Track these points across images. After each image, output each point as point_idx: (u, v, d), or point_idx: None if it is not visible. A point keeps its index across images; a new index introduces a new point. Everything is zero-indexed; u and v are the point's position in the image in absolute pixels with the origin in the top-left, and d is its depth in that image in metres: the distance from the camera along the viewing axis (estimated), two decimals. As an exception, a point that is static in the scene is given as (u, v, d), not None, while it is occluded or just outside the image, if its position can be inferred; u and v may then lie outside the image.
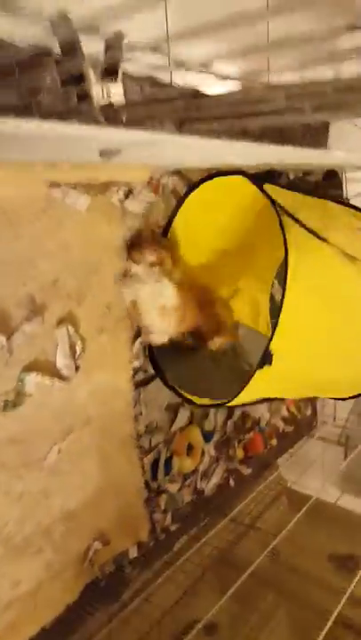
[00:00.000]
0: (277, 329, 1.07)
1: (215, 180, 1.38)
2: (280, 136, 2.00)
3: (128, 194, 1.35)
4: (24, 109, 0.50)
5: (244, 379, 1.17)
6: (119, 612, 1.39)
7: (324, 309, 1.17)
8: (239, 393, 1.16)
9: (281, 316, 1.06)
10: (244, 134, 1.57)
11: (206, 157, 1.22)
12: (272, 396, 1.45)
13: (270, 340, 1.08)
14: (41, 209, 1.13)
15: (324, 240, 1.13)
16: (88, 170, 1.18)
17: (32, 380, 1.16)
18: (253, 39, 1.64)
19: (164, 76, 1.29)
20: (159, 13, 1.34)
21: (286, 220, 1.10)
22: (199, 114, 0.53)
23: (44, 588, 1.24)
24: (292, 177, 2.06)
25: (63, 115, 0.52)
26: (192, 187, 1.45)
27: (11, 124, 0.48)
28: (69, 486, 1.29)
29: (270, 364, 1.10)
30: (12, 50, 0.90)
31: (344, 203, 1.43)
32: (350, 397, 1.44)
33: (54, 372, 1.23)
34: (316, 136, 2.18)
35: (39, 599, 1.23)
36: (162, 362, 1.48)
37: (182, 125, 0.58)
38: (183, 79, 1.40)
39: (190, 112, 0.53)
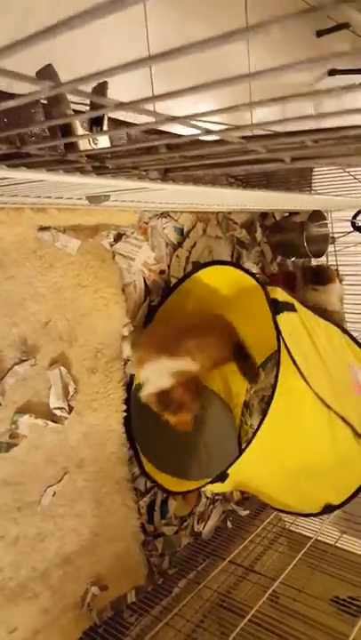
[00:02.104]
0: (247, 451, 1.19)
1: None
2: (265, 179, 2.08)
3: (118, 237, 1.40)
4: (13, 157, 0.53)
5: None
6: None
7: (289, 442, 1.30)
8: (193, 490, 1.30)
9: (254, 440, 1.18)
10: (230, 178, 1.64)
11: (193, 201, 1.26)
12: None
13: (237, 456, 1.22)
14: (31, 251, 1.17)
15: (308, 384, 1.22)
16: (77, 214, 1.23)
17: (25, 421, 1.17)
18: (237, 89, 1.74)
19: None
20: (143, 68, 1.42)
21: (284, 356, 1.19)
22: (183, 163, 0.56)
23: (41, 634, 1.21)
24: (278, 217, 2.14)
25: (50, 163, 0.56)
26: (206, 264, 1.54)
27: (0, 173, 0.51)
28: (65, 530, 1.28)
29: (223, 482, 1.26)
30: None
31: (351, 336, 1.53)
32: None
33: (48, 414, 1.24)
34: (300, 178, 2.27)
35: None
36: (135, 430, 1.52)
37: (167, 173, 0.62)
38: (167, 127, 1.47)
39: (174, 162, 0.57)
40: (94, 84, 0.69)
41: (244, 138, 0.46)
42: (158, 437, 1.51)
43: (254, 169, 0.58)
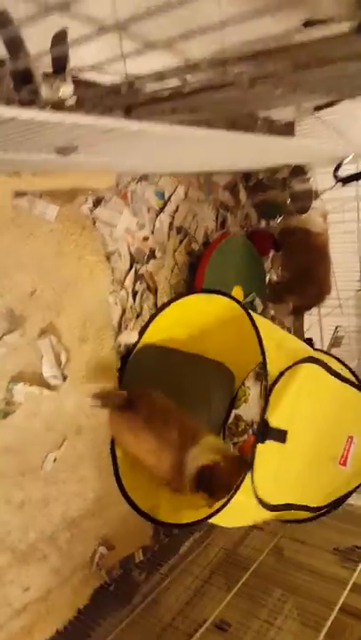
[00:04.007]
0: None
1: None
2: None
3: (97, 202, 1.41)
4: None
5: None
6: (131, 614, 1.42)
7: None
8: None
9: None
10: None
11: (167, 157, 1.25)
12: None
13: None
14: (9, 219, 1.19)
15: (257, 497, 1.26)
16: (52, 177, 1.24)
17: (20, 389, 1.21)
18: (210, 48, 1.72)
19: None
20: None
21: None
22: (143, 97, 0.58)
23: (53, 593, 1.28)
24: (261, 176, 2.14)
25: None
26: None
27: None
28: (69, 494, 1.34)
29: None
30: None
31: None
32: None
33: (42, 382, 1.28)
34: (282, 134, 2.26)
35: (50, 604, 1.28)
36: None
37: (129, 112, 0.63)
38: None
39: (134, 96, 0.58)
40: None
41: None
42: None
43: (213, 97, 0.59)
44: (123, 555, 1.49)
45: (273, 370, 1.27)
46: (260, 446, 1.20)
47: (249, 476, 1.18)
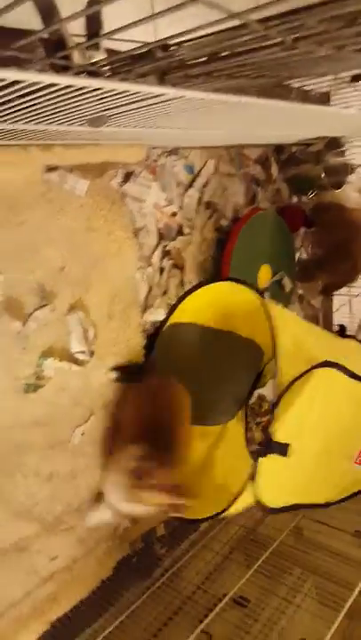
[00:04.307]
0: None
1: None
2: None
3: (127, 177, 1.41)
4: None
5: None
6: (152, 586, 1.48)
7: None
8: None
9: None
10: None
11: (199, 128, 1.23)
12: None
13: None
14: (40, 194, 1.20)
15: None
16: (84, 151, 1.25)
17: (50, 364, 1.24)
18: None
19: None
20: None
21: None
22: (178, 61, 0.56)
23: (79, 563, 1.34)
24: (294, 150, 2.09)
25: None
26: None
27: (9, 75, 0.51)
28: (95, 467, 1.37)
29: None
30: None
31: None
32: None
33: (70, 358, 1.30)
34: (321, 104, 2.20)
35: (75, 573, 1.33)
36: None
37: (164, 76, 0.62)
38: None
39: (169, 60, 0.56)
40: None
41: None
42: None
43: (252, 59, 0.57)
44: (145, 528, 1.53)
45: (283, 380, 1.27)
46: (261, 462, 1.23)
47: (251, 485, 1.21)
